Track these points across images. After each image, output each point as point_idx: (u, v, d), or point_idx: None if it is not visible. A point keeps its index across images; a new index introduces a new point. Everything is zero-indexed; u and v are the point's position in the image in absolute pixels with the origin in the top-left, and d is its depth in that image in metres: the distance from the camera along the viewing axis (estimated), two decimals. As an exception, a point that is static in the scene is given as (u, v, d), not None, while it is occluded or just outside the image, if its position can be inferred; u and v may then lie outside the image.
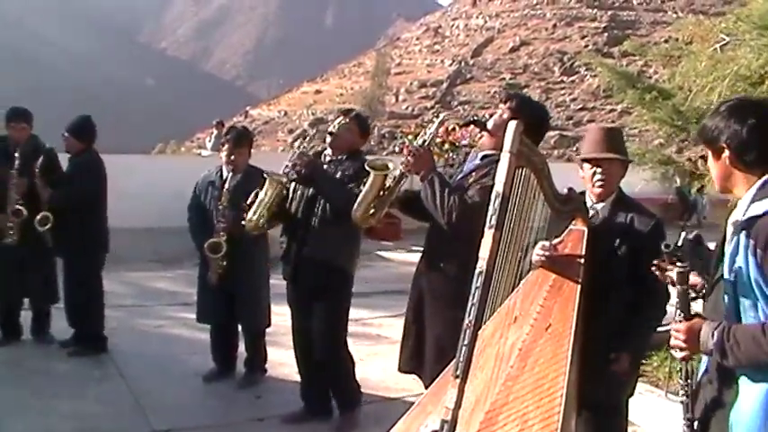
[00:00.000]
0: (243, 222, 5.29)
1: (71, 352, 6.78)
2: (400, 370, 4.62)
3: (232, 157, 6.08)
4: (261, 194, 5.18)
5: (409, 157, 4.10)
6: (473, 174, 4.19)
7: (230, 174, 6.09)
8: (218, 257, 5.98)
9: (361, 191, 4.39)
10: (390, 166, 4.30)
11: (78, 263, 6.82)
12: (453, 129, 14.84)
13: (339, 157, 5.20)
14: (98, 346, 6.90)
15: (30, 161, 6.65)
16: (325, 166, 5.19)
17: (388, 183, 4.29)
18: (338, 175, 5.09)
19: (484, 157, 4.23)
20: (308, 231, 5.14)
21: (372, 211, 4.30)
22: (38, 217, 6.57)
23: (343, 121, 5.20)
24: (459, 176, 4.30)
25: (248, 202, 5.25)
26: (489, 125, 4.23)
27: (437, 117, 4.77)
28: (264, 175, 5.26)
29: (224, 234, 5.96)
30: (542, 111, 4.40)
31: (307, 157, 5.12)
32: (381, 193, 4.26)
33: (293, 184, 5.28)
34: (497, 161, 4.02)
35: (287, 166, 5.17)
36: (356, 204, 4.32)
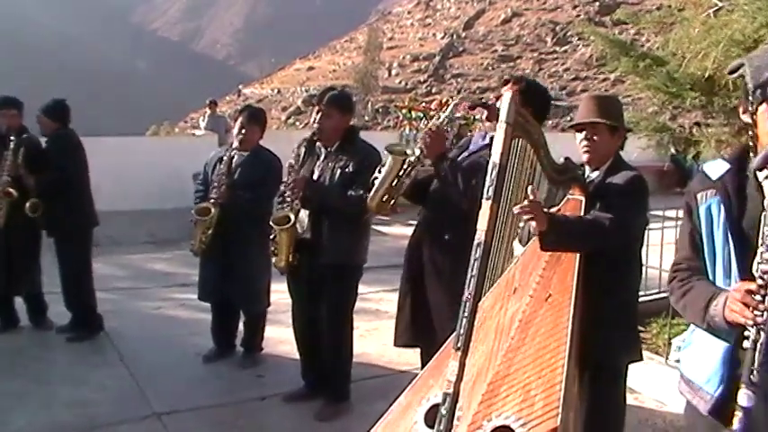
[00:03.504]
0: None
1: (70, 338, 6.78)
2: (396, 344, 4.61)
3: (243, 131, 6.05)
4: (276, 237, 5.13)
5: (427, 139, 4.08)
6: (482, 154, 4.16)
7: (238, 150, 6.08)
8: (204, 224, 5.97)
9: (376, 178, 4.31)
10: (409, 152, 4.24)
11: (70, 242, 6.83)
12: (447, 102, 14.87)
13: (334, 148, 5.14)
14: (94, 325, 6.93)
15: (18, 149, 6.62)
16: (320, 166, 5.15)
17: (404, 168, 4.23)
18: (337, 175, 5.01)
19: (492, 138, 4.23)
20: (319, 236, 5.08)
21: (386, 197, 4.27)
22: (27, 204, 6.57)
23: (319, 112, 5.10)
24: (467, 155, 4.29)
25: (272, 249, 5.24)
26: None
27: (449, 102, 4.77)
28: (270, 224, 5.14)
29: (215, 202, 5.96)
30: (548, 95, 4.45)
31: (301, 182, 5.05)
32: (397, 179, 4.22)
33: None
34: None
35: (284, 191, 5.15)
36: (372, 191, 4.27)
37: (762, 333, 2.11)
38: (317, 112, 5.12)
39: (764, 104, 2.37)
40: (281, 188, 5.25)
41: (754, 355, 2.11)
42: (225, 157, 6.07)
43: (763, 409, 2.21)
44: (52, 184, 6.58)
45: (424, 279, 4.36)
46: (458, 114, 14.52)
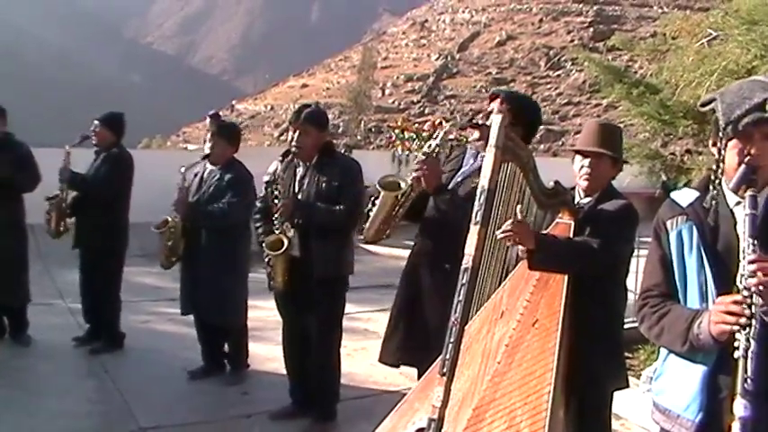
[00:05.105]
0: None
1: (93, 349, 6.79)
2: (381, 361, 4.56)
3: (211, 145, 6.08)
4: (272, 261, 5.10)
5: (424, 169, 4.05)
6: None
7: (210, 164, 6.12)
8: (163, 235, 6.05)
9: (371, 210, 4.28)
10: (402, 184, 4.19)
11: (103, 258, 6.87)
12: (440, 123, 14.97)
13: (313, 163, 5.14)
14: (117, 342, 6.95)
15: (3, 155, 6.60)
16: (301, 182, 5.15)
17: (398, 200, 4.20)
18: (323, 188, 5.02)
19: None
20: (308, 253, 5.06)
21: (383, 227, 4.25)
22: (50, 196, 6.75)
23: (297, 130, 5.09)
24: (461, 177, 4.26)
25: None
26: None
27: (443, 123, 4.76)
28: (264, 249, 5.14)
29: (175, 213, 6.01)
30: (538, 111, 4.37)
31: (290, 205, 5.04)
32: (393, 211, 4.22)
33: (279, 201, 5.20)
34: None
35: (277, 218, 5.14)
36: (368, 223, 4.24)
37: (752, 341, 2.13)
38: (295, 131, 5.11)
39: (734, 140, 2.47)
40: (258, 205, 5.29)
41: (747, 364, 2.12)
42: (199, 171, 6.16)
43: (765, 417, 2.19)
44: (83, 189, 6.77)
45: (422, 302, 4.30)
46: (450, 136, 14.66)
